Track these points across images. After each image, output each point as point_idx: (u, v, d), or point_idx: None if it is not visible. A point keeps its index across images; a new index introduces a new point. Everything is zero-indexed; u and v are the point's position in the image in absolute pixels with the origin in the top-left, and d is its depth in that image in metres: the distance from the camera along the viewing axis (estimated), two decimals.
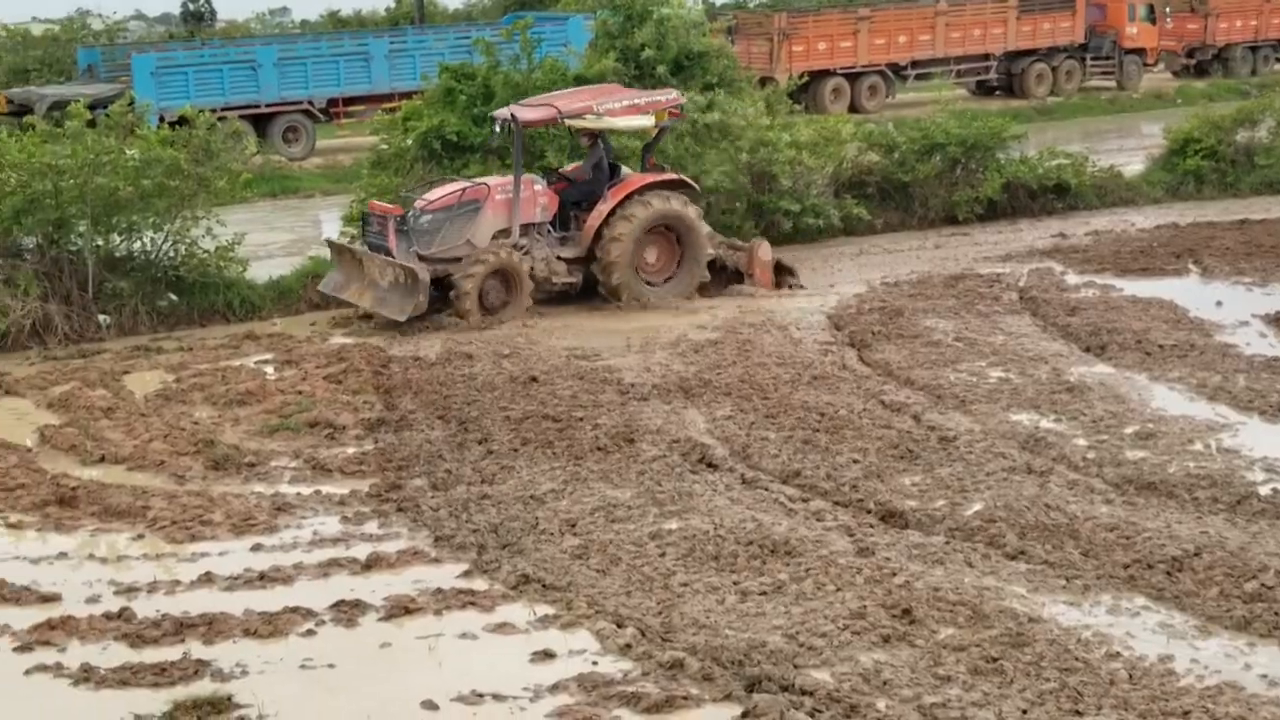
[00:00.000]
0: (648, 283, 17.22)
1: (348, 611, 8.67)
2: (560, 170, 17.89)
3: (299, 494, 10.93)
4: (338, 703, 7.66)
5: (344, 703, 7.65)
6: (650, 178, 17.26)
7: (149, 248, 17.33)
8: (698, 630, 8.08)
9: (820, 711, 7.14)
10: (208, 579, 9.26)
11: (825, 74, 38.32)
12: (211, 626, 8.45)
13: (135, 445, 12.16)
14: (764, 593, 8.57)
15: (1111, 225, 21.85)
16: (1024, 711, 7.08)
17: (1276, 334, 14.82)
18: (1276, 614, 8.07)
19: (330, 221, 23.34)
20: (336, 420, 12.60)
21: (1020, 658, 7.59)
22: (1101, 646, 7.77)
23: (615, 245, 16.77)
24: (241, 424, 12.80)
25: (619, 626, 8.21)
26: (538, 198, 16.87)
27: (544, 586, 8.85)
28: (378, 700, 7.64)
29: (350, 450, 11.97)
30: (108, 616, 8.66)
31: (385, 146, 21.30)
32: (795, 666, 7.58)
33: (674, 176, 17.57)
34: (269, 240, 22.19)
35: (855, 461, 10.95)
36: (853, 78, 39.01)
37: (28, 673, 8.05)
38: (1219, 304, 16.17)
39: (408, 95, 26.97)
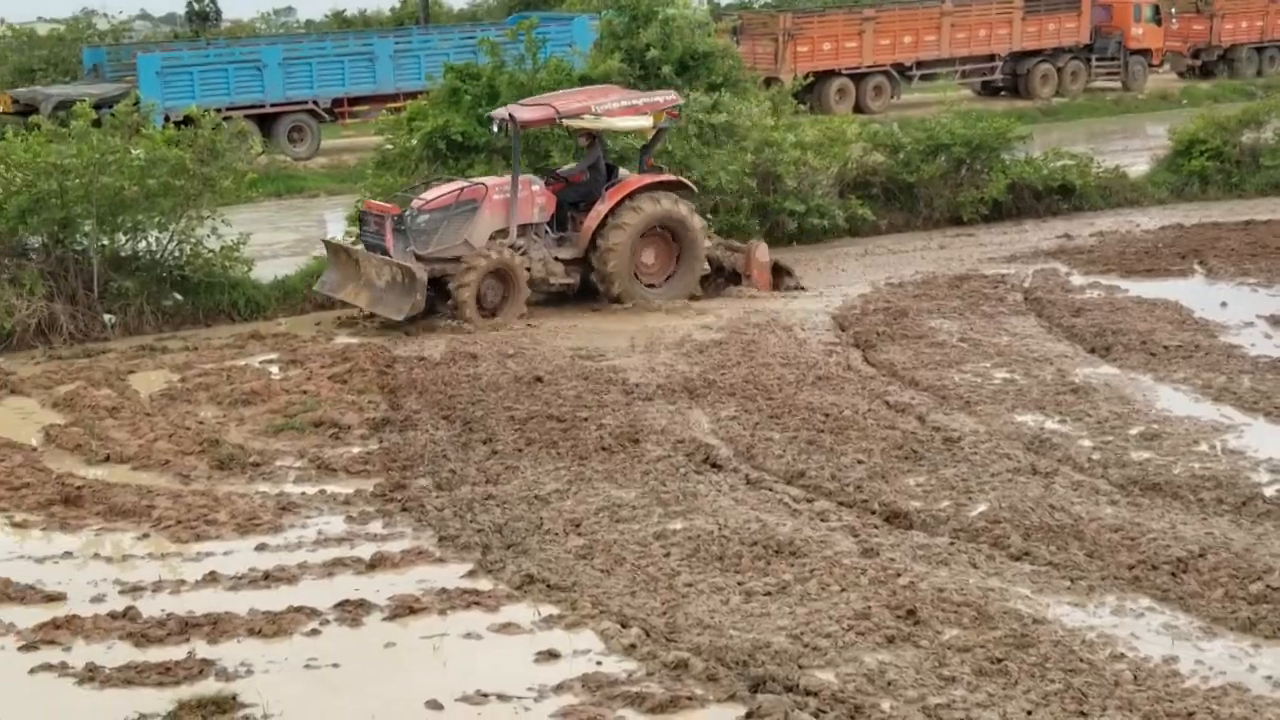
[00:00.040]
0: (645, 284, 17.20)
1: (352, 611, 8.67)
2: (557, 171, 17.88)
3: (304, 494, 10.94)
4: (342, 702, 7.67)
5: (348, 702, 7.65)
6: (648, 179, 17.24)
7: (154, 247, 17.35)
8: (702, 630, 8.07)
9: (825, 712, 7.14)
10: (212, 578, 9.26)
11: (830, 74, 38.30)
12: (216, 626, 8.45)
13: (140, 445, 12.17)
14: (768, 593, 8.56)
15: (1116, 226, 21.83)
16: (1029, 713, 7.08)
17: None
18: None
19: (335, 221, 23.37)
20: (341, 420, 12.61)
21: (1025, 659, 7.59)
22: (1106, 648, 7.76)
23: (618, 232, 16.76)
24: (246, 424, 12.81)
25: (623, 627, 8.21)
26: (535, 198, 16.86)
27: (548, 586, 8.85)
28: (382, 700, 7.65)
29: (355, 450, 11.98)
30: (113, 616, 8.67)
31: (390, 146, 21.30)
32: (800, 667, 7.58)
33: (671, 178, 17.55)
34: (274, 240, 22.22)
35: (860, 462, 10.95)
36: (858, 78, 39.00)
37: (33, 672, 8.06)
38: (1224, 305, 16.16)
39: (413, 95, 26.97)
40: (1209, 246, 19.50)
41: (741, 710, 7.27)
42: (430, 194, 16.94)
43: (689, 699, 7.41)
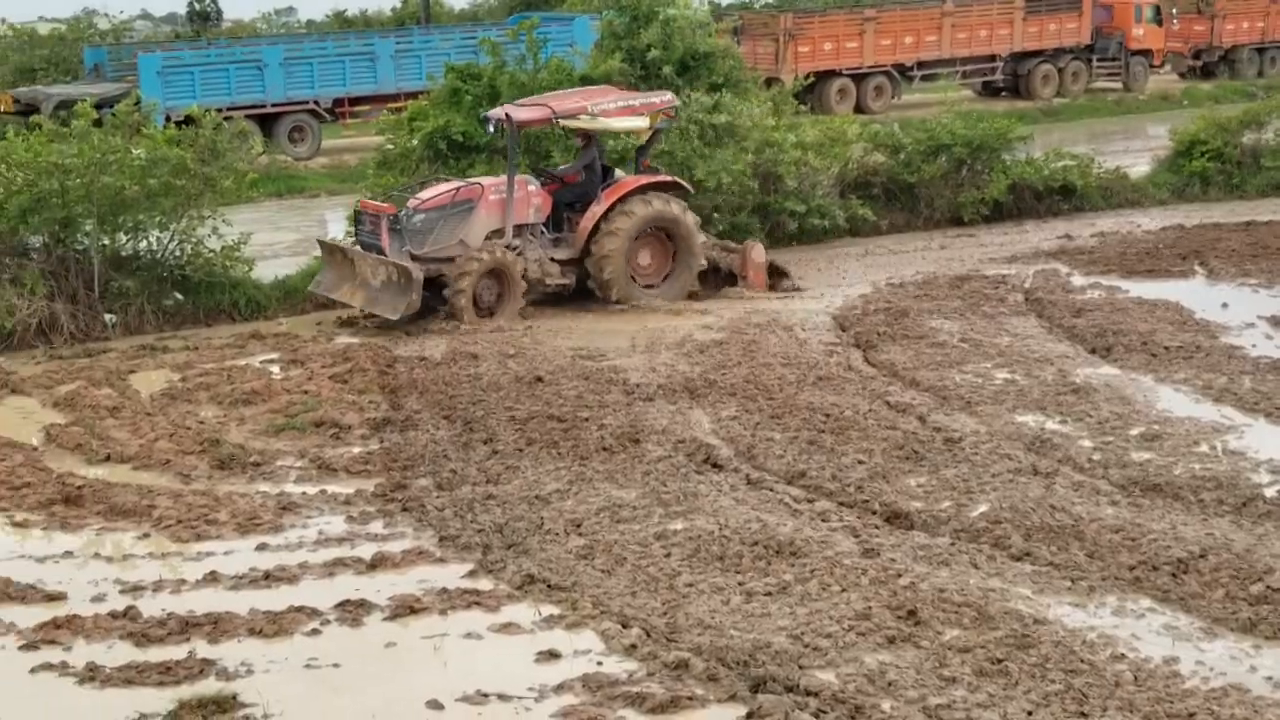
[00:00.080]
0: (642, 285, 17.18)
1: (353, 611, 8.67)
2: (552, 171, 17.86)
3: (304, 493, 10.94)
4: (342, 702, 7.67)
5: (349, 702, 7.65)
6: (644, 179, 17.23)
7: (155, 247, 17.35)
8: (703, 631, 8.07)
9: (825, 712, 7.14)
10: (213, 578, 9.26)
11: (831, 75, 38.29)
12: (217, 626, 8.45)
13: (141, 444, 12.17)
14: (769, 593, 8.56)
15: (1117, 227, 21.83)
16: (1029, 713, 7.08)
17: None
18: None
19: (336, 221, 23.38)
20: (342, 420, 12.61)
21: (1025, 659, 7.59)
22: (1107, 648, 7.76)
23: (611, 238, 16.74)
24: (247, 423, 12.81)
25: (624, 627, 8.21)
26: (531, 198, 16.85)
27: (549, 586, 8.85)
28: (382, 700, 7.65)
29: (355, 450, 11.97)
30: (113, 615, 8.67)
31: (391, 146, 21.32)
32: (800, 667, 7.58)
33: (667, 178, 17.54)
34: (275, 240, 22.21)
35: (860, 462, 10.95)
36: (859, 78, 38.98)
37: (33, 671, 8.06)
38: (1225, 306, 16.16)
39: (413, 95, 26.97)
40: (1210, 247, 19.50)
41: (742, 710, 7.27)
42: (426, 194, 16.93)
43: (689, 699, 7.41)
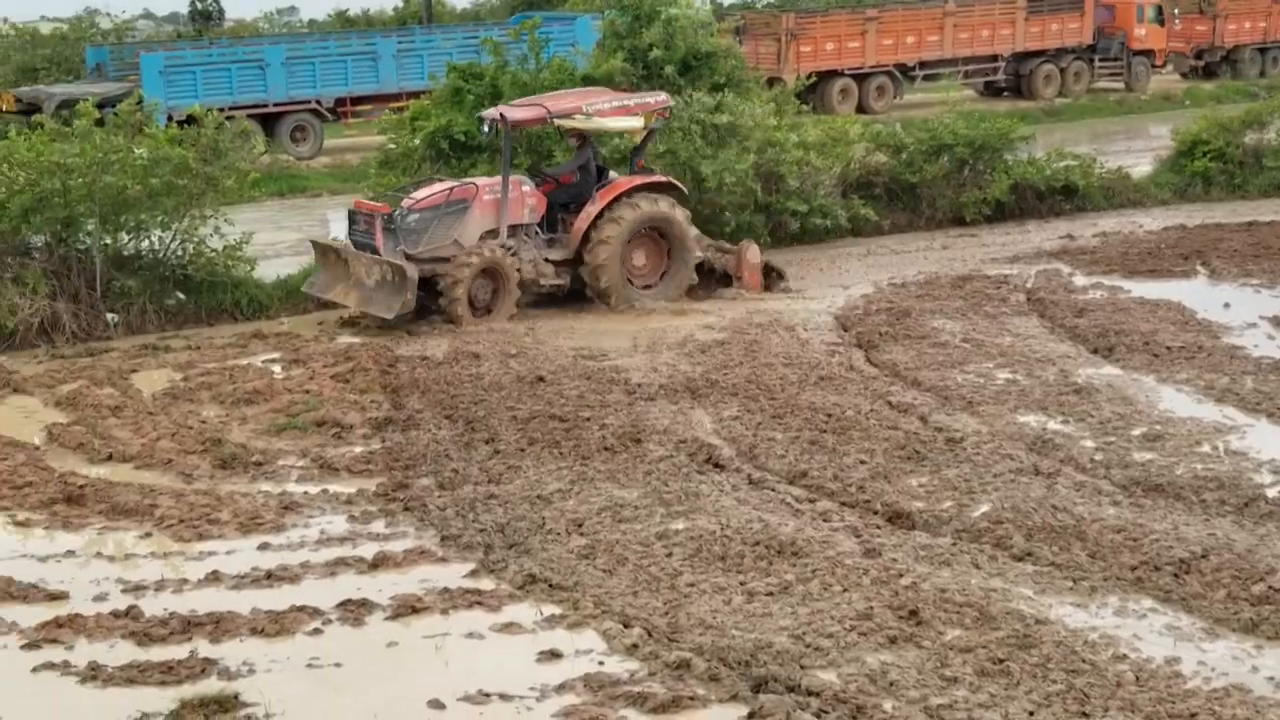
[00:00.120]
0: (636, 285, 17.17)
1: (354, 610, 8.67)
2: (547, 171, 17.85)
3: (306, 493, 10.94)
4: (344, 701, 7.67)
5: (350, 701, 7.65)
6: (638, 180, 17.21)
7: (157, 246, 17.36)
8: (704, 630, 8.07)
9: (826, 712, 7.14)
10: (215, 577, 9.26)
11: (833, 74, 38.29)
12: (219, 625, 8.45)
13: (143, 444, 12.17)
14: (770, 593, 8.56)
15: (1119, 227, 21.83)
16: (1031, 713, 7.07)
17: None
18: None
19: (338, 221, 23.34)
20: (344, 419, 12.61)
21: (1027, 659, 7.58)
22: (1108, 648, 7.76)
23: (603, 247, 16.72)
24: (249, 423, 12.82)
25: (625, 626, 8.21)
26: (526, 199, 16.83)
27: (551, 586, 8.85)
28: (384, 699, 7.65)
29: (357, 449, 11.98)
30: (115, 615, 8.67)
31: (393, 146, 21.35)
32: (802, 667, 7.58)
33: (662, 179, 17.53)
34: (277, 239, 22.21)
35: (862, 462, 10.94)
36: (860, 78, 39.00)
37: (35, 670, 8.06)
38: (1227, 306, 16.16)
39: (415, 95, 26.97)
40: (1212, 247, 19.50)
41: (743, 710, 7.27)
42: (420, 193, 16.91)
43: (691, 699, 7.41)
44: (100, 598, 9.02)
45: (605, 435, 11.70)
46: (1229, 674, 7.54)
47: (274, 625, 8.45)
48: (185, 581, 9.25)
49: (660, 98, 17.74)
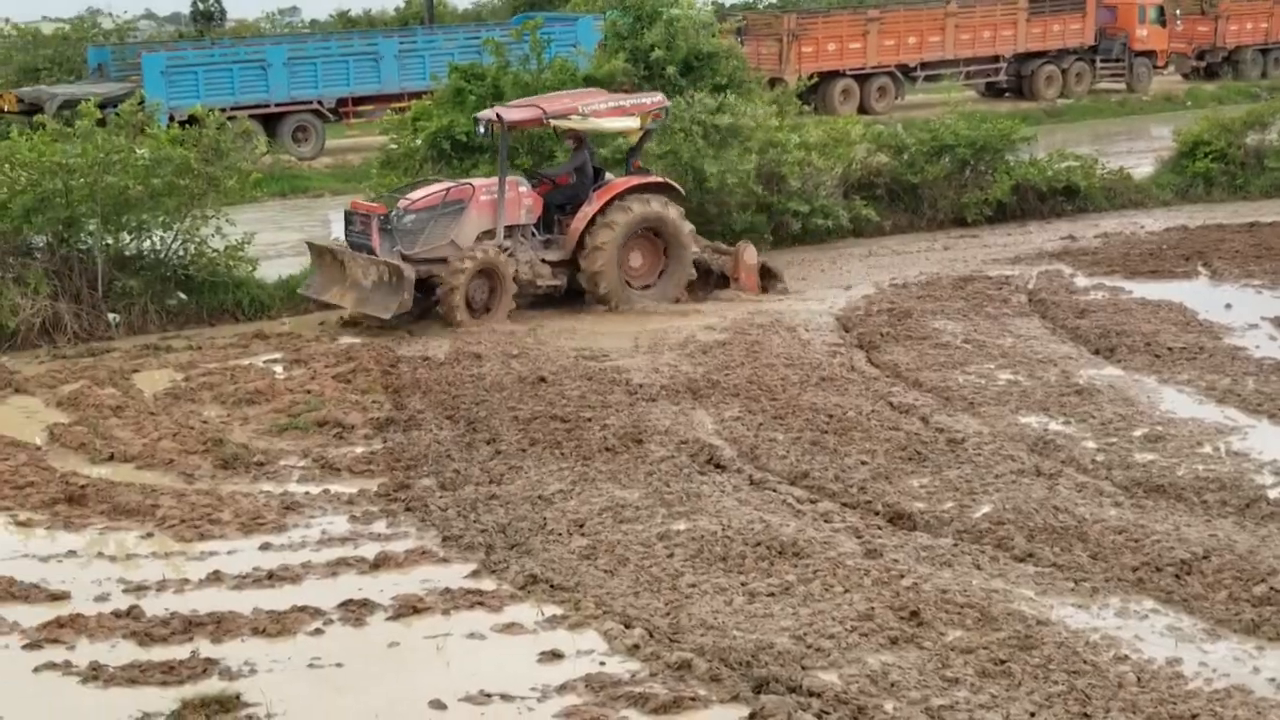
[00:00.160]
0: (632, 286, 17.15)
1: (356, 611, 8.67)
2: (543, 172, 17.85)
3: (307, 493, 10.94)
4: (345, 702, 7.67)
5: (351, 702, 7.66)
6: (635, 180, 17.19)
7: (159, 247, 17.36)
8: (705, 631, 8.07)
9: (828, 713, 7.14)
10: (216, 578, 9.27)
11: (834, 75, 38.30)
12: (220, 625, 8.45)
13: (144, 444, 12.17)
14: (772, 594, 8.56)
15: (1121, 228, 21.84)
16: (1032, 714, 7.07)
17: None
18: None
19: (339, 221, 23.32)
20: (345, 420, 12.61)
21: (1028, 660, 7.58)
22: (1110, 649, 7.76)
23: (600, 248, 16.72)
24: (250, 423, 12.82)
25: (627, 627, 8.21)
26: (522, 199, 16.81)
27: (552, 587, 8.85)
28: (385, 699, 7.65)
29: (359, 450, 11.98)
30: (116, 615, 8.67)
31: (395, 146, 21.35)
32: (803, 668, 7.58)
33: (658, 179, 17.52)
34: (278, 240, 22.22)
35: (863, 463, 10.95)
36: (862, 79, 39.00)
37: (37, 670, 8.06)
38: (1228, 307, 16.15)
39: (417, 95, 26.98)
40: (1213, 248, 19.50)
41: (745, 711, 7.27)
42: (417, 194, 16.88)
43: (692, 699, 7.41)
44: (102, 598, 9.02)
45: (607, 436, 11.70)
46: (1230, 675, 7.54)
47: (275, 625, 8.45)
48: (187, 581, 9.25)
49: (656, 98, 17.74)
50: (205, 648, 8.21)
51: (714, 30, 22.22)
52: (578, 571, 9.05)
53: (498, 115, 16.84)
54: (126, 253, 17.21)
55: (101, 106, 18.04)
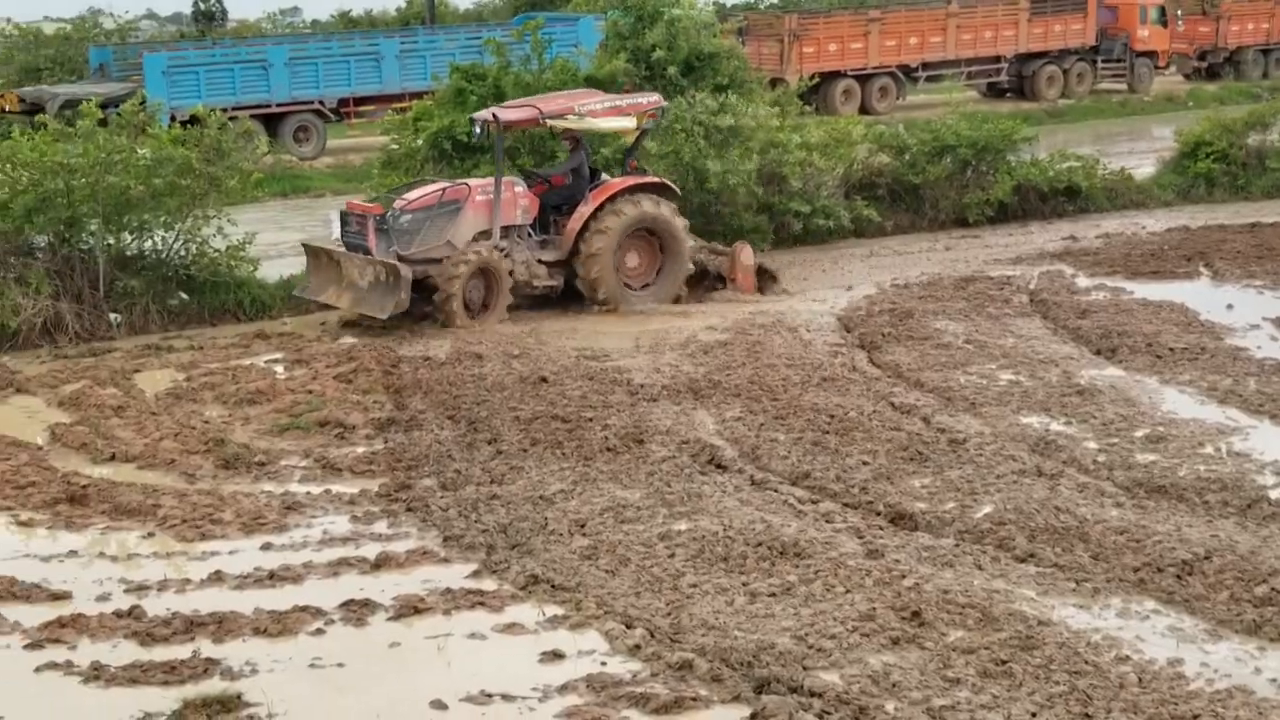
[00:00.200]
0: (629, 286, 17.15)
1: (357, 611, 8.68)
2: (539, 173, 17.84)
3: (309, 493, 10.95)
4: (346, 702, 7.67)
5: (353, 702, 7.66)
6: (631, 181, 17.17)
7: (160, 247, 17.37)
8: (707, 631, 8.08)
9: (829, 713, 7.14)
10: (218, 578, 9.27)
11: (836, 75, 38.28)
12: (221, 625, 8.46)
13: (146, 444, 12.18)
14: (773, 594, 8.56)
15: (1122, 228, 21.83)
16: (1033, 715, 7.07)
17: None
18: None
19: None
20: (346, 420, 12.62)
21: (1030, 661, 7.58)
22: (1111, 650, 7.76)
23: (596, 248, 16.70)
24: (252, 423, 12.82)
25: (628, 627, 8.21)
26: (518, 200, 16.81)
27: (553, 587, 8.86)
28: (387, 699, 7.65)
29: (360, 450, 11.98)
30: (118, 614, 8.68)
31: (396, 146, 21.35)
32: (804, 668, 7.58)
33: (655, 179, 17.51)
34: (280, 240, 22.20)
35: (865, 463, 10.95)
36: (863, 79, 38.97)
37: (38, 670, 8.07)
38: (1230, 307, 16.15)
39: (418, 95, 26.98)
40: (1215, 249, 19.50)
41: (746, 711, 7.27)
42: (413, 194, 16.87)
43: (693, 700, 7.41)
44: (103, 598, 9.02)
45: (608, 436, 11.70)
46: (1232, 676, 7.54)
47: (276, 625, 8.45)
48: (188, 581, 9.26)
49: (652, 98, 17.73)
50: (206, 648, 8.21)
51: (715, 30, 22.21)
52: (579, 572, 9.05)
53: (494, 115, 16.84)
54: (128, 253, 17.22)
55: (103, 106, 18.05)
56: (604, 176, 17.37)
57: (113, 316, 16.55)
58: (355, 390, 13.59)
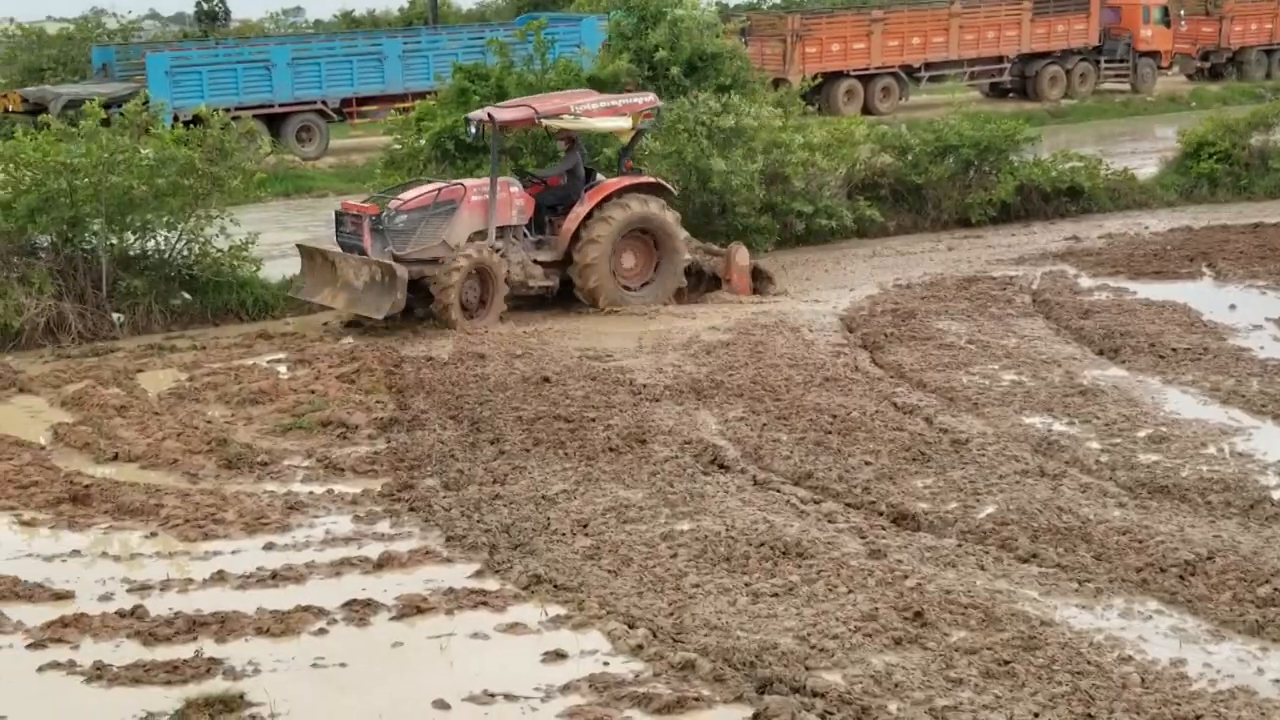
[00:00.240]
0: (625, 287, 17.12)
1: (359, 610, 8.68)
2: (535, 173, 17.83)
3: (311, 493, 10.95)
4: (349, 701, 7.67)
5: (355, 701, 7.66)
6: (626, 181, 17.16)
7: (163, 246, 17.38)
8: (709, 631, 8.08)
9: (831, 713, 7.14)
10: (220, 577, 9.27)
11: (838, 75, 38.31)
12: (224, 625, 8.46)
13: (148, 444, 12.18)
14: (775, 594, 8.56)
15: (1125, 228, 21.83)
16: (1035, 715, 7.07)
17: None
18: None
19: None
20: (349, 420, 12.62)
21: (1032, 661, 7.58)
22: (1114, 650, 7.76)
23: (592, 249, 16.69)
24: (254, 423, 12.83)
25: (630, 627, 8.21)
26: (514, 200, 16.79)
27: (555, 587, 8.86)
28: (389, 699, 7.65)
29: (363, 450, 11.98)
30: (120, 614, 8.68)
31: (399, 146, 21.37)
32: (807, 668, 7.58)
33: (650, 179, 17.50)
34: (282, 240, 22.17)
35: (867, 463, 10.94)
36: (866, 79, 38.98)
37: (41, 670, 8.07)
38: (1232, 307, 16.14)
39: (421, 95, 27.02)
40: (1218, 249, 19.49)
41: (748, 711, 7.26)
42: (408, 194, 16.84)
43: (696, 700, 7.40)
44: (105, 597, 9.03)
45: (610, 436, 11.70)
46: (1234, 676, 7.53)
47: (279, 625, 8.45)
48: (190, 581, 9.26)
49: (648, 98, 17.72)
50: (209, 647, 8.21)
51: (718, 31, 22.22)
52: (581, 572, 9.05)
53: (489, 115, 16.83)
54: (131, 252, 17.23)
55: (106, 106, 18.08)
56: (599, 177, 17.37)
57: (115, 316, 16.56)
58: (358, 390, 13.59)
